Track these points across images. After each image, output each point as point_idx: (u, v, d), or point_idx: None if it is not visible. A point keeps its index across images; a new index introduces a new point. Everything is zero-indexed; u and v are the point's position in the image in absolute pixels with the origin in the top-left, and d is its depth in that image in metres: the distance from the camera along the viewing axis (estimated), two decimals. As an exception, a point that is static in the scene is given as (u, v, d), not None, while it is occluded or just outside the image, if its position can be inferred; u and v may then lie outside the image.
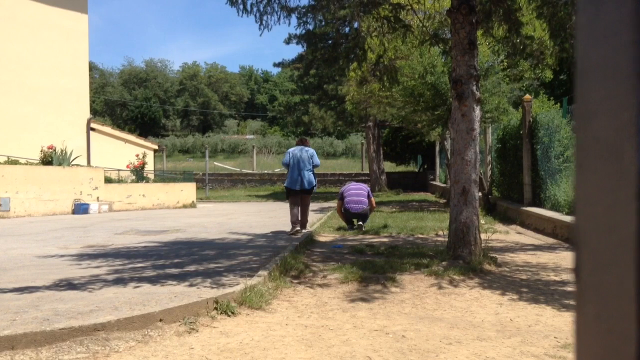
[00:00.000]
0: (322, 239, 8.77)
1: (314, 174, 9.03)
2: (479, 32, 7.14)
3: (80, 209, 14.63)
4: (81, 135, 18.28)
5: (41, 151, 15.27)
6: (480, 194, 8.70)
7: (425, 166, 26.52)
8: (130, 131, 32.99)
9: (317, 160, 9.04)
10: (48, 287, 4.75)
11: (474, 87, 6.08)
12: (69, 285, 4.86)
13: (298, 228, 8.77)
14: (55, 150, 15.27)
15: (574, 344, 0.46)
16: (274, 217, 12.82)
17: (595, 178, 0.44)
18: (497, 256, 6.37)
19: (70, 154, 15.61)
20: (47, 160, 15.14)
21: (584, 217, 0.45)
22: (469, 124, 6.04)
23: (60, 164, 15.09)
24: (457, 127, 6.12)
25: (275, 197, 21.64)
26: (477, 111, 6.11)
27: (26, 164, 14.84)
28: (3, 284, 4.88)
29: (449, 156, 13.60)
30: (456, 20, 6.15)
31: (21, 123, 16.33)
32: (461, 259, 5.87)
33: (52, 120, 17.06)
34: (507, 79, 12.82)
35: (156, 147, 24.13)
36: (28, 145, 15.54)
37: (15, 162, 14.64)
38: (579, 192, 0.45)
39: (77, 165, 15.95)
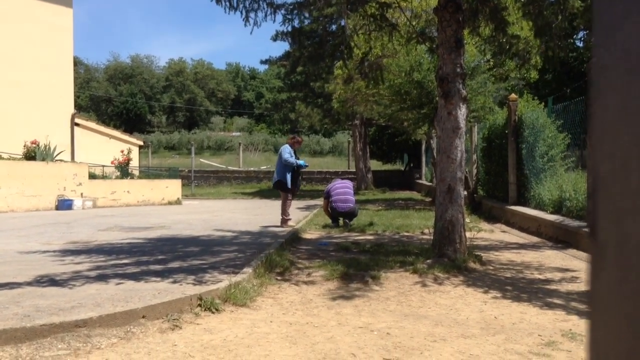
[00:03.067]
0: (307, 236, 8.75)
1: (292, 171, 9.76)
2: (466, 31, 7.16)
3: (64, 204, 14.48)
4: (65, 131, 18.09)
5: (24, 146, 15.08)
6: (465, 192, 8.73)
7: (412, 165, 26.61)
8: (115, 127, 32.74)
9: (284, 156, 9.78)
10: (29, 283, 4.69)
11: (460, 86, 6.09)
12: (50, 281, 4.80)
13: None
14: (38, 145, 15.09)
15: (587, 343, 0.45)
16: (259, 214, 12.79)
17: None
18: (482, 254, 6.40)
19: (54, 149, 15.44)
20: (31, 155, 14.96)
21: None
22: (454, 122, 6.06)
23: (43, 159, 14.92)
24: (443, 126, 6.13)
25: (261, 194, 21.58)
26: (463, 110, 6.12)
27: (9, 159, 14.65)
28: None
29: (434, 155, 13.66)
30: (443, 18, 6.16)
31: (4, 118, 16.11)
32: (446, 257, 5.88)
33: (36, 115, 16.85)
34: (493, 78, 12.89)
35: (141, 143, 23.97)
36: (11, 140, 15.34)
37: (-3, 157, 14.45)
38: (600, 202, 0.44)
39: (61, 160, 15.77)
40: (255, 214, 12.79)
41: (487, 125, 12.55)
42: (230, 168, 30.09)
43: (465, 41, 7.13)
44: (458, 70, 6.08)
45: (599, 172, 0.45)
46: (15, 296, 4.17)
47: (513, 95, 10.81)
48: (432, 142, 15.11)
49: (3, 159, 14.49)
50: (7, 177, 13.79)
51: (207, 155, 40.18)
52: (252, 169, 30.04)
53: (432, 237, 6.63)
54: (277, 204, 16.19)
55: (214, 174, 28.56)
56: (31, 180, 14.27)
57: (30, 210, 14.09)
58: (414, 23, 8.40)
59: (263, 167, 30.42)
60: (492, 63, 12.28)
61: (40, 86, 17.19)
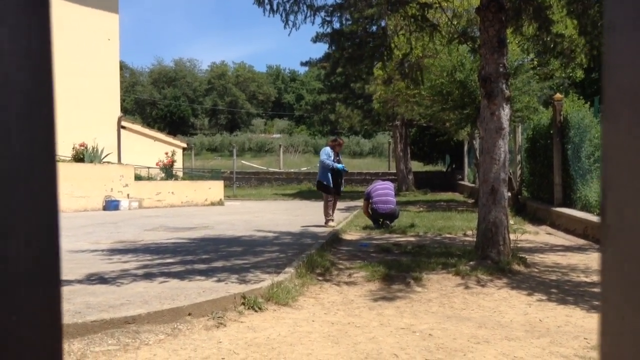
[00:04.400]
0: (348, 237, 8.78)
1: (328, 172, 9.90)
2: (509, 30, 7.05)
3: (111, 205, 14.89)
4: (112, 133, 18.62)
5: (73, 148, 15.58)
6: (509, 193, 8.60)
7: (454, 166, 26.30)
8: (160, 129, 33.44)
9: (321, 157, 10.06)
10: (80, 281, 4.86)
11: (504, 86, 6.02)
12: (100, 279, 4.96)
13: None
14: (86, 147, 15.57)
15: (598, 343, 0.46)
16: (300, 215, 12.87)
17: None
18: (526, 257, 6.30)
19: (102, 151, 15.90)
20: (79, 157, 15.45)
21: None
22: (498, 122, 5.98)
23: (91, 161, 15.39)
24: (486, 126, 6.07)
25: (301, 195, 21.71)
26: (507, 110, 6.04)
27: (59, 161, 15.08)
28: None
29: (477, 155, 13.48)
30: (485, 18, 6.09)
31: (54, 121, 16.66)
32: (489, 259, 5.82)
33: (84, 118, 17.39)
34: (537, 77, 12.63)
35: (185, 145, 24.42)
36: (60, 142, 15.82)
37: (48, 160, 14.96)
38: (608, 192, 0.45)
39: (108, 162, 16.24)
40: (295, 215, 12.88)
41: (532, 126, 12.32)
42: (271, 169, 30.35)
43: (508, 40, 7.03)
44: (501, 70, 6.01)
45: (608, 160, 0.45)
46: (66, 293, 4.32)
47: (558, 95, 10.59)
48: (474, 142, 14.91)
49: (53, 161, 14.98)
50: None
51: (248, 157, 40.63)
52: (292, 170, 30.22)
53: (474, 239, 6.57)
54: (317, 205, 16.27)
55: (255, 176, 28.86)
56: (80, 182, 14.73)
57: (79, 211, 14.55)
58: (455, 23, 8.33)
59: (303, 169, 30.56)
60: (536, 62, 12.05)
61: (88, 90, 17.74)
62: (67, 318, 3.50)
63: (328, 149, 10.07)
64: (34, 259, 0.31)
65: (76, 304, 3.93)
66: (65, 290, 4.46)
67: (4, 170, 0.31)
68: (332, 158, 9.95)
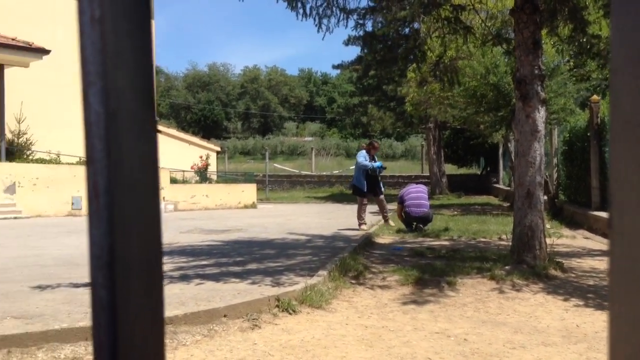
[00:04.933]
0: (381, 241, 8.76)
1: (363, 175, 9.99)
2: (543, 32, 6.96)
3: (147, 208, 15.17)
4: (148, 137, 18.92)
5: (111, 152, 15.91)
6: (545, 197, 8.47)
7: (488, 168, 25.96)
8: (194, 133, 33.91)
9: (359, 160, 10.17)
10: (118, 282, 4.97)
11: (539, 88, 5.94)
12: (137, 280, 5.07)
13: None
14: (123, 151, 15.89)
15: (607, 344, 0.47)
16: (332, 218, 12.89)
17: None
18: (563, 261, 6.19)
19: (138, 155, 16.20)
20: (116, 161, 15.77)
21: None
22: (533, 125, 5.91)
23: (128, 165, 15.69)
24: (521, 129, 5.99)
25: (333, 198, 21.73)
26: (542, 112, 5.96)
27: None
28: (76, 279, 5.13)
29: (512, 158, 13.30)
30: (520, 20, 6.02)
31: (92, 126, 17.05)
32: (525, 263, 5.74)
33: (121, 123, 17.72)
34: (574, 79, 12.41)
35: (218, 148, 24.72)
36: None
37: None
38: (616, 190, 0.45)
39: (144, 166, 16.53)
40: (328, 218, 12.90)
41: (568, 128, 12.10)
42: (303, 172, 30.46)
43: (543, 42, 6.94)
44: (536, 72, 5.93)
45: (616, 159, 0.46)
46: (106, 294, 4.43)
47: (595, 97, 10.38)
48: (509, 145, 14.71)
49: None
50: (96, 182, 14.61)
51: (280, 160, 40.87)
52: (324, 173, 30.28)
53: (510, 243, 6.49)
54: (349, 208, 16.26)
55: (287, 179, 29.01)
56: (117, 185, 15.03)
57: (116, 213, 14.85)
58: (489, 25, 8.25)
59: (335, 172, 30.58)
60: (572, 63, 11.83)
61: (125, 95, 18.08)
62: (107, 318, 3.59)
63: (364, 152, 10.18)
64: (146, 254, 0.35)
65: (115, 304, 4.03)
66: (105, 291, 4.57)
67: (126, 177, 0.35)
68: (369, 160, 10.06)
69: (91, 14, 0.33)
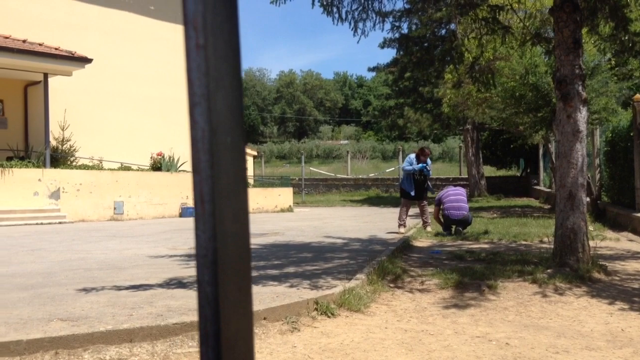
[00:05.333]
0: (419, 244, 8.70)
1: (410, 178, 10.10)
2: (584, 30, 6.81)
3: (187, 212, 15.42)
4: (186, 142, 19.23)
5: (151, 158, 16.26)
6: (588, 199, 8.27)
7: (528, 170, 25.51)
8: (231, 138, 34.21)
9: (403, 164, 10.50)
10: (160, 285, 5.07)
11: (580, 87, 5.81)
12: (178, 283, 5.16)
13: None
14: (163, 157, 16.21)
15: None
16: (369, 222, 12.86)
17: None
18: (607, 264, 6.04)
19: (177, 160, 16.50)
20: (157, 166, 16.10)
21: None
22: (574, 125, 5.79)
23: (168, 170, 16.00)
24: (562, 129, 5.88)
25: (370, 202, 21.67)
26: (584, 112, 5.84)
27: (137, 170, 15.86)
28: (120, 282, 5.26)
29: (553, 159, 13.04)
30: (559, 19, 5.91)
31: (133, 132, 17.48)
32: (568, 266, 5.62)
33: (160, 128, 18.11)
34: (615, 78, 12.10)
35: (255, 153, 24.95)
36: (139, 152, 16.61)
37: (127, 169, 15.70)
38: None
39: (184, 171, 16.83)
40: (364, 222, 12.88)
41: (610, 128, 11.81)
42: (339, 176, 30.47)
43: (584, 40, 6.79)
44: (577, 71, 5.81)
45: None
46: (148, 297, 4.52)
47: (638, 96, 10.09)
48: (550, 146, 14.44)
49: (132, 170, 15.71)
50: (137, 187, 14.94)
51: (316, 164, 40.97)
52: (360, 176, 30.22)
53: (552, 246, 6.37)
54: (385, 212, 16.22)
55: (323, 182, 29.06)
56: (157, 190, 15.34)
57: (157, 218, 15.14)
58: (527, 24, 8.11)
59: (371, 175, 30.50)
60: (613, 62, 11.54)
61: (164, 101, 18.46)
62: (151, 320, 3.67)
63: (413, 155, 10.22)
64: (239, 254, 0.39)
65: (158, 306, 4.11)
66: (147, 293, 4.66)
67: (224, 186, 0.38)
68: (415, 164, 10.06)
69: (196, 41, 0.37)
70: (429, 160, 10.29)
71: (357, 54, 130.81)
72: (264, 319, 3.88)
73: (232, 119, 0.38)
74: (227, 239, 0.38)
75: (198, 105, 0.39)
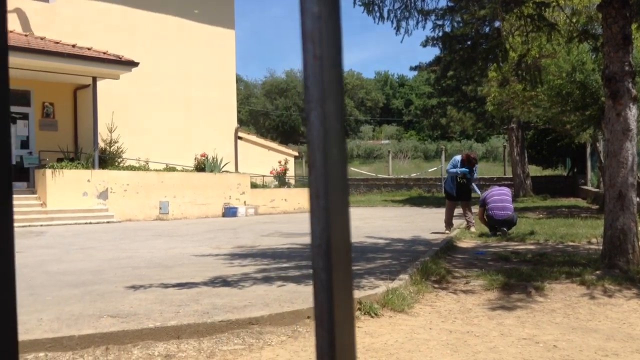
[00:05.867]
0: (463, 245, 8.60)
1: (453, 179, 10.16)
2: (633, 26, 6.61)
3: (230, 212, 15.64)
4: (229, 144, 19.55)
5: (195, 159, 16.57)
6: (638, 198, 8.03)
7: (575, 170, 24.88)
8: (272, 139, 34.58)
9: (448, 166, 10.52)
10: (205, 283, 5.17)
11: (630, 85, 5.65)
12: (223, 282, 5.25)
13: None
14: (207, 158, 16.49)
15: None
16: (411, 222, 12.78)
17: None
18: (660, 266, 5.85)
19: (221, 161, 16.76)
20: (200, 167, 16.39)
21: None
22: (624, 124, 5.63)
23: (211, 171, 16.27)
24: (611, 128, 5.73)
25: (411, 202, 21.51)
26: (634, 110, 5.67)
27: (182, 170, 16.18)
28: (166, 280, 5.39)
29: (602, 159, 12.69)
30: (608, 15, 5.76)
31: (178, 134, 17.83)
32: (617, 268, 5.48)
33: (204, 130, 18.42)
34: (668, 73, 11.69)
35: (296, 153, 25.10)
36: (183, 153, 16.94)
37: (172, 169, 16.03)
38: None
39: (227, 171, 17.08)
40: (406, 222, 12.80)
41: (663, 125, 11.42)
42: (380, 176, 30.35)
43: (633, 36, 6.59)
44: (626, 68, 5.65)
45: None
46: (194, 295, 4.62)
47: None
48: (598, 145, 14.07)
49: (177, 170, 16.03)
50: (181, 188, 15.25)
51: (356, 164, 40.90)
52: (401, 176, 30.03)
53: (600, 247, 6.21)
54: (427, 212, 16.08)
55: (363, 182, 28.99)
56: (201, 190, 15.62)
57: (201, 217, 15.41)
58: (574, 21, 7.93)
59: (413, 175, 30.26)
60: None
61: (208, 104, 18.77)
62: (197, 317, 3.75)
63: (458, 157, 10.19)
64: (343, 244, 0.44)
65: (204, 304, 4.20)
66: (193, 291, 4.77)
67: (334, 181, 0.44)
68: (459, 167, 10.08)
69: (314, 53, 0.43)
70: (475, 168, 10.21)
71: (398, 53, 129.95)
72: (308, 317, 3.92)
73: (338, 121, 0.44)
74: (336, 229, 0.43)
75: (314, 109, 0.43)
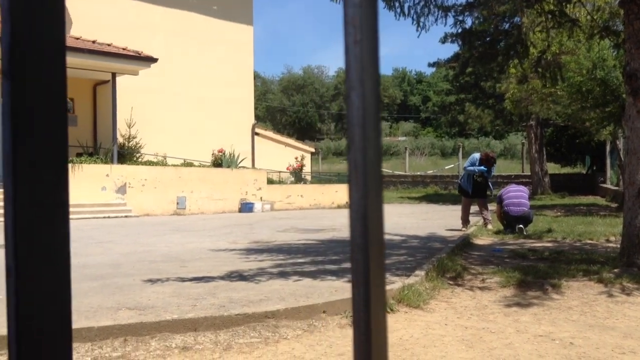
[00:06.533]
0: (479, 242, 8.56)
1: (470, 177, 10.07)
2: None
3: (246, 207, 15.72)
4: (247, 140, 19.63)
5: (212, 154, 16.67)
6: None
7: (594, 167, 24.59)
8: (289, 135, 34.67)
9: (466, 163, 10.45)
10: (222, 278, 5.22)
11: (652, 81, 5.58)
12: (239, 276, 5.29)
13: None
14: (224, 153, 16.58)
15: None
16: (427, 219, 12.74)
17: None
18: (680, 266, 5.77)
19: (238, 157, 16.84)
20: (217, 162, 16.49)
21: None
22: (645, 120, 5.56)
23: (228, 166, 16.35)
24: (632, 125, 5.66)
25: (428, 199, 21.43)
26: (656, 107, 5.60)
27: (199, 166, 16.29)
28: (184, 274, 5.44)
29: (622, 156, 12.54)
30: (630, 11, 5.69)
31: (195, 129, 17.93)
32: (636, 266, 5.42)
33: (222, 125, 18.51)
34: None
35: (312, 150, 25.14)
36: (201, 149, 17.05)
37: (190, 165, 16.14)
38: None
39: (243, 167, 17.16)
40: (423, 219, 12.77)
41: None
42: (397, 173, 30.26)
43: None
44: (649, 64, 5.58)
45: None
46: (211, 289, 4.67)
47: None
48: (618, 142, 13.89)
49: (194, 166, 16.14)
50: (198, 183, 15.35)
51: (374, 161, 40.70)
52: (418, 173, 29.91)
53: (619, 245, 6.15)
54: (444, 209, 16.02)
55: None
56: (218, 186, 15.71)
57: (217, 213, 15.50)
58: (595, 17, 7.84)
59: (429, 172, 30.13)
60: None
61: (226, 100, 18.86)
62: (214, 311, 3.79)
63: (477, 155, 10.11)
64: (377, 222, 0.49)
65: (220, 298, 4.24)
66: (210, 285, 4.81)
67: (369, 157, 0.49)
68: (477, 165, 10.00)
69: (354, 37, 0.47)
70: (493, 168, 10.13)
71: (415, 49, 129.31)
72: (323, 312, 3.94)
73: (374, 102, 0.48)
74: (371, 196, 0.47)
75: (354, 89, 0.47)
